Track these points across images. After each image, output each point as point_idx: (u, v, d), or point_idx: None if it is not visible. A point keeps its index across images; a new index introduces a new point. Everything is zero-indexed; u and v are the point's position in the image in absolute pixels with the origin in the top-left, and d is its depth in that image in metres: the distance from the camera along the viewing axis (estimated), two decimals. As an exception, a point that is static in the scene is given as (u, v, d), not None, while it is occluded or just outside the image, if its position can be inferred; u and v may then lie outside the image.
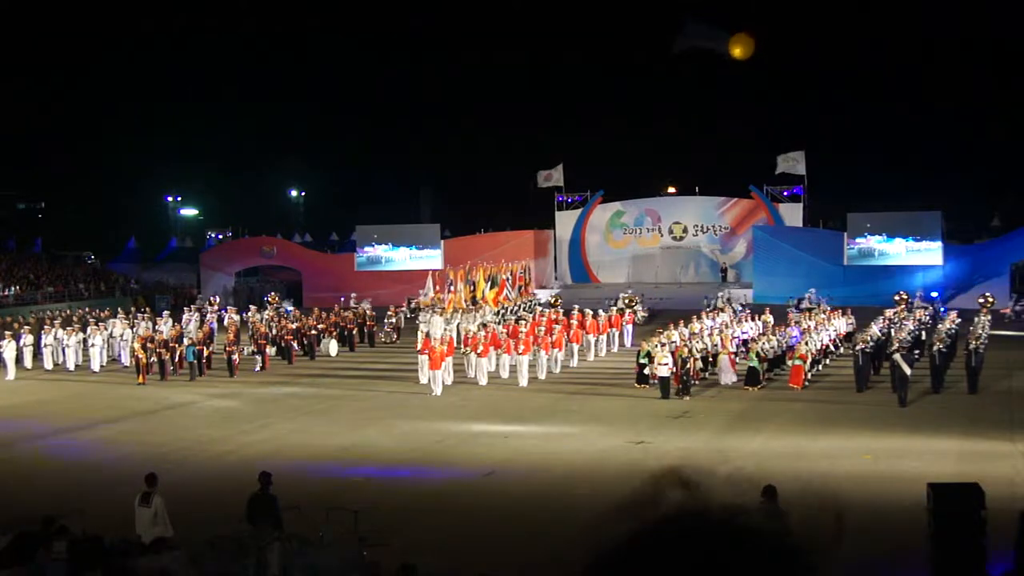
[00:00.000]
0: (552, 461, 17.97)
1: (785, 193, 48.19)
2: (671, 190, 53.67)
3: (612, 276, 49.89)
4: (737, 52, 25.46)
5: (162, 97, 62.18)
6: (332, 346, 33.66)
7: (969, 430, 19.77)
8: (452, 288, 36.79)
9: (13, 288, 43.28)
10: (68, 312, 36.91)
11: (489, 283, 38.69)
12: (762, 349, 26.03)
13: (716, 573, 1.71)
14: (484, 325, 31.42)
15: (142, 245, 59.00)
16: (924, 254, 43.39)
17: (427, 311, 34.67)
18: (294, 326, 33.56)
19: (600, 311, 33.99)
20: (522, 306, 38.66)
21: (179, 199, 65.28)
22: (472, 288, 38.09)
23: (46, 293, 44.43)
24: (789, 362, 26.34)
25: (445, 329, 31.96)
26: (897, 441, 19.10)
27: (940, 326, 28.07)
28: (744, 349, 27.60)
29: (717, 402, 23.95)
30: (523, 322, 31.05)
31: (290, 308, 39.84)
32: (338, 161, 66.08)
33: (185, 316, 36.80)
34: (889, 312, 32.84)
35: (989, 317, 32.04)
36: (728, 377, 25.89)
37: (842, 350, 29.60)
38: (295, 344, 32.56)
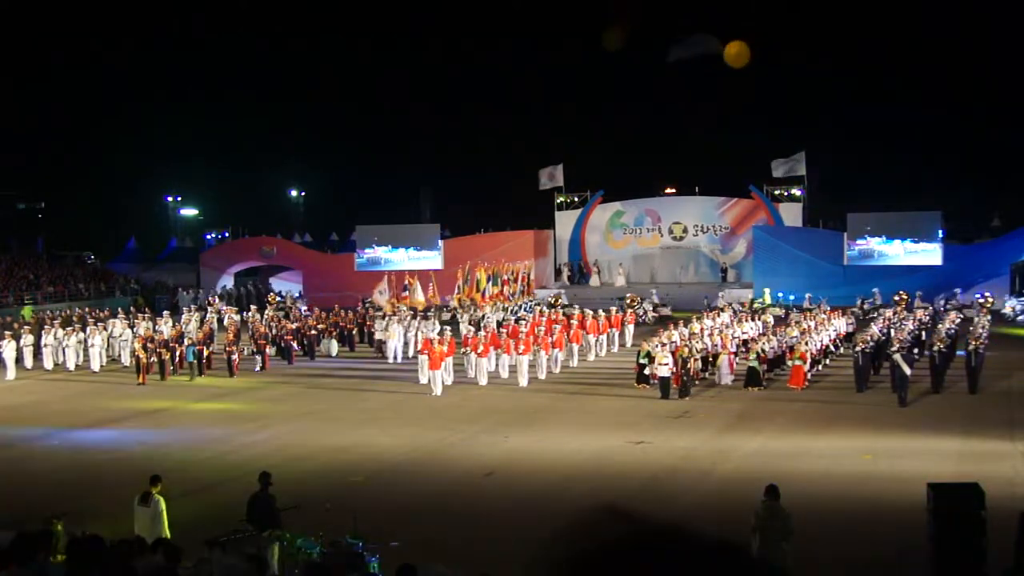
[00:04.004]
0: (552, 461, 17.97)
1: (781, 191, 48.24)
2: (671, 190, 53.64)
3: (612, 276, 49.85)
4: (732, 59, 25.57)
5: (162, 97, 62.21)
6: (332, 346, 33.67)
7: (969, 430, 19.77)
8: (408, 291, 36.15)
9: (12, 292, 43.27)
10: (68, 312, 36.91)
11: (491, 282, 38.63)
12: (762, 349, 26.03)
13: None
14: (484, 325, 31.47)
15: (142, 245, 59.00)
16: (923, 255, 43.44)
17: (386, 317, 33.65)
18: (294, 326, 33.59)
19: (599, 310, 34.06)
20: (522, 306, 38.64)
21: (179, 199, 65.28)
22: (475, 287, 37.97)
23: (46, 293, 44.43)
24: (789, 362, 26.35)
25: (410, 333, 31.64)
26: (897, 441, 19.10)
27: (940, 326, 28.08)
28: (744, 349, 27.62)
29: (717, 402, 23.95)
30: (523, 322, 31.06)
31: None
32: (338, 161, 66.11)
33: (185, 316, 36.81)
34: (889, 312, 32.87)
35: (989, 317, 32.10)
36: (727, 378, 25.90)
37: (842, 350, 29.62)
38: (295, 344, 32.58)
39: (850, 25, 54.99)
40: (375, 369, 30.34)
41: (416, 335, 31.56)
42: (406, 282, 37.10)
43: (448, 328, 32.52)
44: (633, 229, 50.73)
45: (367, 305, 39.35)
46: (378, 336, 32.98)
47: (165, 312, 38.93)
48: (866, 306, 37.94)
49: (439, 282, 39.74)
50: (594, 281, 48.85)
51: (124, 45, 59.58)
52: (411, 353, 31.28)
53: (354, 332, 35.41)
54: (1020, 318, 38.01)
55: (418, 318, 33.47)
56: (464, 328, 31.96)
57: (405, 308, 35.43)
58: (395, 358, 31.44)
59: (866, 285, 41.94)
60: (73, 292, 45.42)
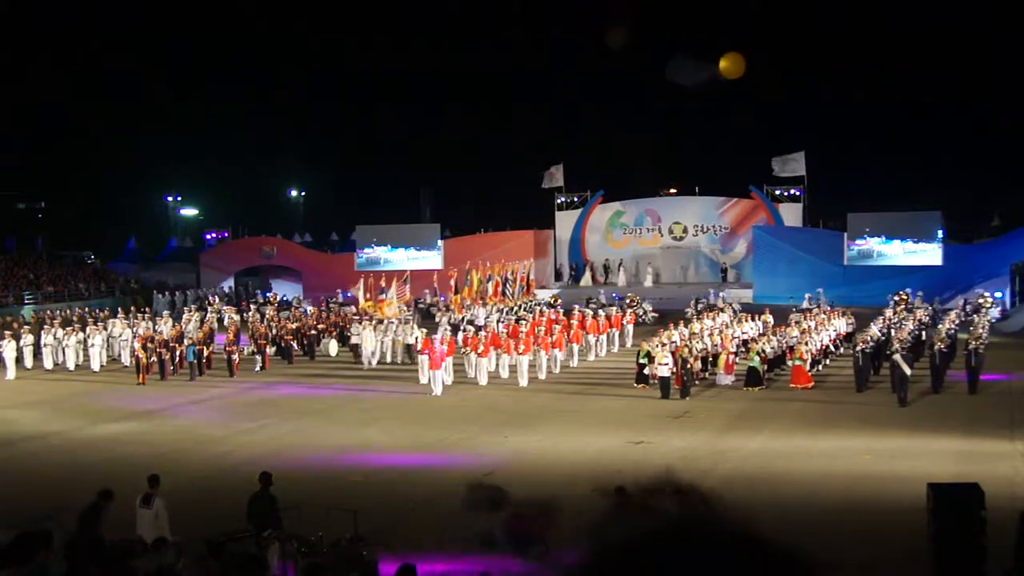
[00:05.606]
0: (552, 461, 17.97)
1: (781, 191, 48.22)
2: (671, 190, 53.63)
3: (612, 276, 49.82)
4: (728, 72, 25.63)
5: (162, 97, 62.14)
6: (332, 346, 33.64)
7: (969, 430, 19.77)
8: (384, 294, 35.55)
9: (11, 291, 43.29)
10: (68, 312, 36.91)
11: (489, 282, 38.61)
12: (762, 349, 26.03)
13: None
14: (484, 325, 31.45)
15: (142, 245, 58.98)
16: (923, 255, 43.43)
17: (360, 322, 32.79)
18: (294, 326, 33.57)
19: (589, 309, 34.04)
20: (523, 306, 38.61)
21: (179, 199, 65.25)
22: (474, 287, 37.91)
23: (46, 293, 44.44)
24: (789, 362, 26.37)
25: (382, 340, 31.18)
26: (897, 441, 19.10)
27: (940, 326, 28.10)
28: (744, 349, 27.63)
29: (717, 402, 23.96)
30: (523, 322, 31.03)
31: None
32: (338, 161, 66.05)
33: (185, 316, 36.80)
34: (889, 312, 32.86)
35: (989, 317, 32.10)
36: (725, 379, 25.90)
37: (842, 350, 29.62)
38: (295, 344, 32.56)
39: (849, 25, 55.02)
40: (375, 369, 30.27)
41: (392, 340, 31.38)
42: (382, 286, 36.49)
43: (447, 331, 32.31)
44: (633, 229, 50.71)
45: (332, 306, 39.24)
46: (353, 340, 32.27)
47: (165, 312, 38.89)
48: (803, 305, 37.89)
49: (415, 283, 39.53)
50: (621, 280, 48.51)
51: (123, 45, 59.54)
52: (388, 358, 30.96)
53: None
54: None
55: (396, 322, 32.92)
56: (443, 330, 31.19)
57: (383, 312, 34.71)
58: (368, 363, 30.47)
59: (866, 285, 41.96)
60: (73, 292, 45.41)
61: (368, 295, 36.18)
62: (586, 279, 49.31)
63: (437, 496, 15.87)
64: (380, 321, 32.82)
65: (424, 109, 64.16)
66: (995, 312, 37.66)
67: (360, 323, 32.71)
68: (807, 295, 39.62)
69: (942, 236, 43.91)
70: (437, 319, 35.25)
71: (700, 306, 38.36)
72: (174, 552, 9.97)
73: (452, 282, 38.70)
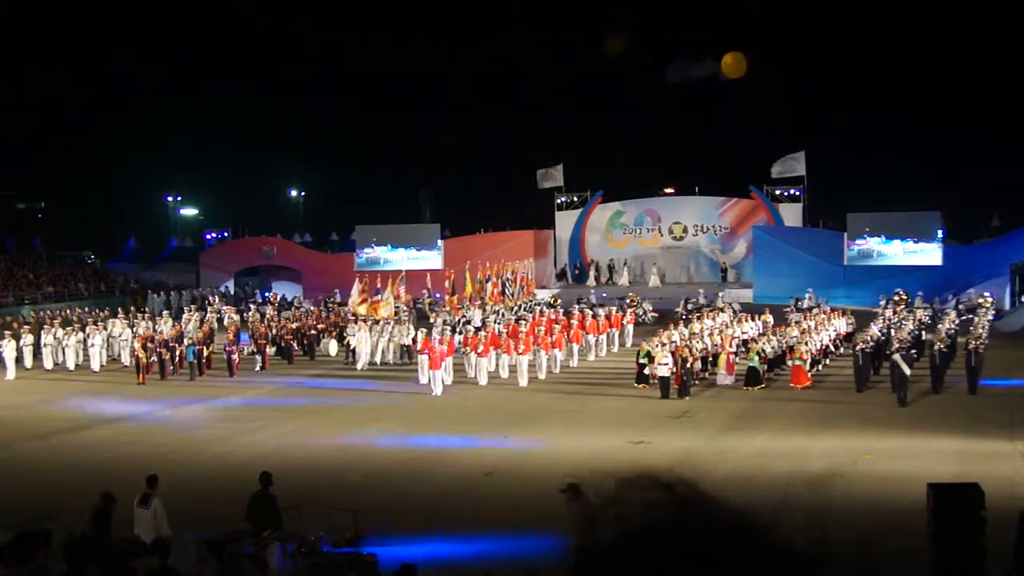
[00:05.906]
0: (552, 461, 17.95)
1: (781, 191, 48.23)
2: (671, 190, 53.62)
3: (616, 276, 49.78)
4: (730, 70, 25.59)
5: (162, 97, 62.14)
6: (332, 346, 33.63)
7: (969, 430, 19.77)
8: (379, 295, 35.46)
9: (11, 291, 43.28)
10: (68, 312, 36.89)
11: (488, 282, 38.57)
12: (762, 349, 26.04)
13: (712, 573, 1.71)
14: (484, 324, 31.42)
15: (142, 245, 58.99)
16: (923, 255, 43.44)
17: (355, 322, 32.42)
18: (294, 326, 33.56)
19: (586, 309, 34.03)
20: (522, 306, 38.58)
21: (179, 199, 65.26)
22: (481, 287, 37.86)
23: (46, 293, 44.43)
24: (789, 362, 26.37)
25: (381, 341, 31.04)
26: (897, 441, 19.11)
27: (940, 326, 28.09)
28: (744, 349, 27.63)
29: (717, 402, 23.96)
30: (523, 322, 31.03)
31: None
32: (338, 161, 66.03)
33: (185, 316, 36.79)
34: (889, 312, 32.83)
35: (989, 317, 32.07)
36: (725, 379, 25.89)
37: (842, 350, 29.62)
38: (295, 344, 32.55)
39: (849, 25, 54.99)
40: (375, 369, 30.29)
41: (388, 341, 31.31)
42: (377, 286, 36.36)
43: (447, 331, 32.25)
44: (633, 229, 50.70)
45: (329, 306, 39.08)
46: (349, 341, 31.85)
47: (165, 312, 38.87)
48: (801, 305, 37.92)
49: (411, 283, 39.49)
50: (623, 280, 48.37)
51: (124, 45, 59.53)
52: (379, 360, 30.82)
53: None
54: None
55: (391, 323, 32.75)
56: (438, 330, 30.73)
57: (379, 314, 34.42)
58: (362, 364, 30.31)
59: (866, 285, 41.98)
60: (73, 292, 45.41)
61: (364, 295, 36.03)
62: (591, 279, 49.25)
63: (438, 494, 15.90)
64: (376, 322, 32.80)
65: (424, 109, 64.13)
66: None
67: (355, 323, 32.70)
68: (806, 295, 39.65)
69: (942, 236, 43.93)
70: (432, 320, 35.21)
71: (690, 306, 38.44)
72: (174, 552, 9.98)
73: (448, 283, 38.66)
